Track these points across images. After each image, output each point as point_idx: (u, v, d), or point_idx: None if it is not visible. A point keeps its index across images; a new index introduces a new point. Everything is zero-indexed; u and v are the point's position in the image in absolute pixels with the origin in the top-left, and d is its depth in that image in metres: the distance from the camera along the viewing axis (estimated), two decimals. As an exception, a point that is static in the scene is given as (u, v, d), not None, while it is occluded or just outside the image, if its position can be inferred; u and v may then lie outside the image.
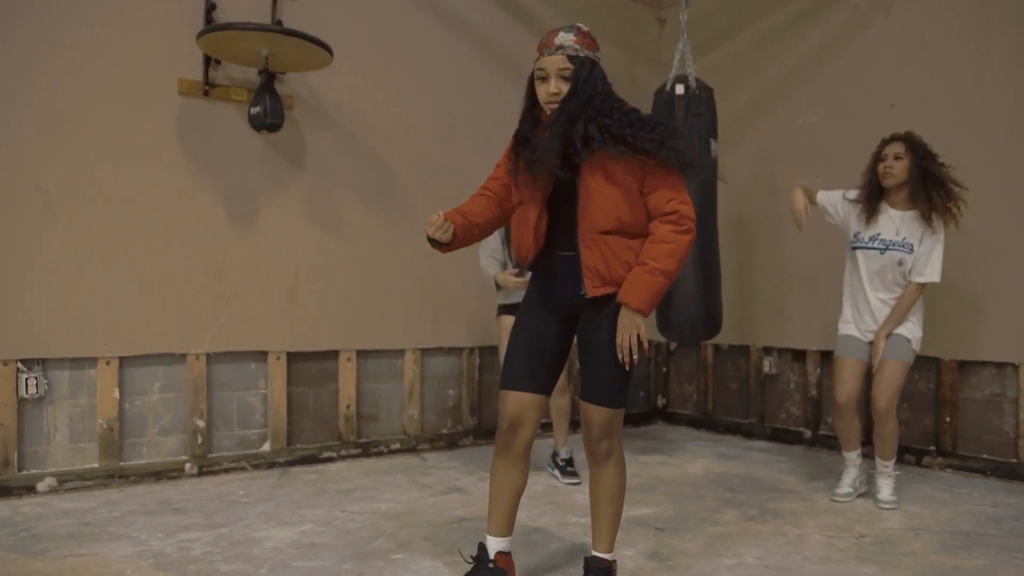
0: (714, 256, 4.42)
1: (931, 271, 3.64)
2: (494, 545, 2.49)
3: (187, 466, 4.05)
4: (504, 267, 4.07)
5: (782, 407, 5.27)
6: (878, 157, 3.75)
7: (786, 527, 3.33)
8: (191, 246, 4.07)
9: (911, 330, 3.68)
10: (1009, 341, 4.21)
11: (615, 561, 2.50)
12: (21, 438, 3.68)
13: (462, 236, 2.50)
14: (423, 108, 4.82)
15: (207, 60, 4.07)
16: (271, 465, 4.28)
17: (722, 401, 5.63)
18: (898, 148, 3.68)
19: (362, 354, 4.62)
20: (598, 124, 2.28)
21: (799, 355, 5.16)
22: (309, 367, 4.46)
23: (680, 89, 4.18)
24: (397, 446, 4.72)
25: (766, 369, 5.32)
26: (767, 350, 5.33)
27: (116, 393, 3.88)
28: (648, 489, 3.94)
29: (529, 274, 2.61)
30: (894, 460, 3.73)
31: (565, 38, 2.31)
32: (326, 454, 4.46)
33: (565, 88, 2.31)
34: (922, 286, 3.66)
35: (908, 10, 4.58)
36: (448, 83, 4.91)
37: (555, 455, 4.19)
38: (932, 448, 4.51)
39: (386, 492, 3.83)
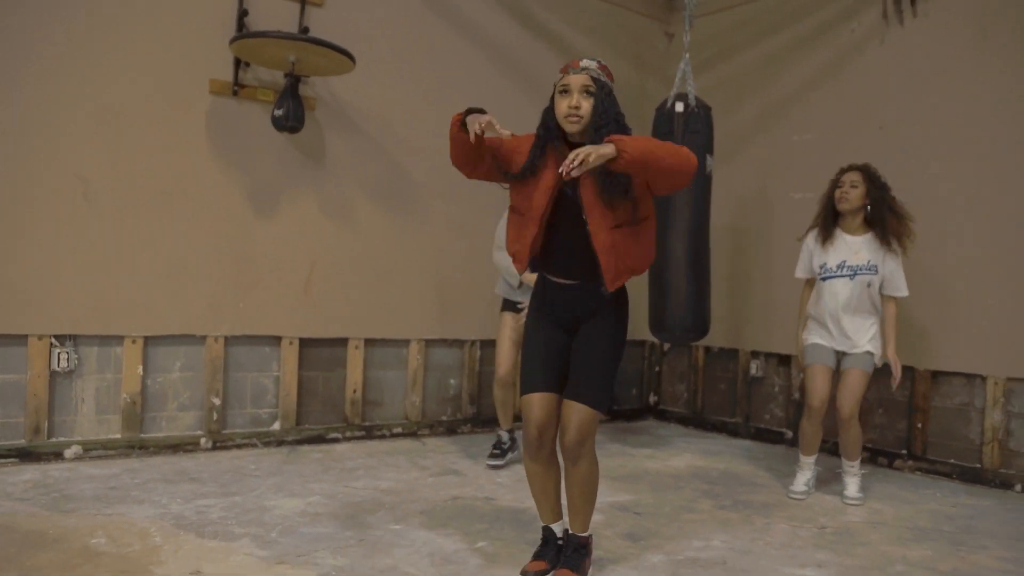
0: (706, 262, 4.68)
1: (903, 287, 3.91)
2: (556, 528, 2.78)
3: (202, 440, 4.35)
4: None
5: (766, 408, 5.54)
6: (835, 184, 4.02)
7: (754, 517, 3.61)
8: (216, 236, 4.36)
9: (875, 346, 3.95)
10: (978, 354, 4.47)
11: (591, 536, 2.77)
12: (51, 408, 3.98)
13: (479, 146, 2.60)
14: (438, 113, 5.07)
15: (237, 62, 4.36)
16: (280, 443, 4.57)
17: (711, 400, 5.90)
18: (855, 176, 3.96)
19: (370, 342, 4.91)
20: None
21: (784, 360, 5.42)
22: (320, 353, 4.75)
23: (680, 107, 4.44)
24: (399, 430, 5.01)
25: (753, 372, 5.59)
26: (755, 354, 5.59)
27: (140, 370, 4.18)
28: (633, 479, 4.22)
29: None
30: (858, 460, 4.00)
31: (589, 63, 2.57)
32: (332, 435, 4.75)
33: (585, 104, 2.52)
34: (897, 301, 3.94)
35: (901, 39, 4.83)
36: (462, 90, 5.17)
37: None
38: (904, 451, 4.77)
39: (387, 471, 4.12)
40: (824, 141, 5.14)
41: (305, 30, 4.52)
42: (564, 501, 2.77)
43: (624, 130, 2.54)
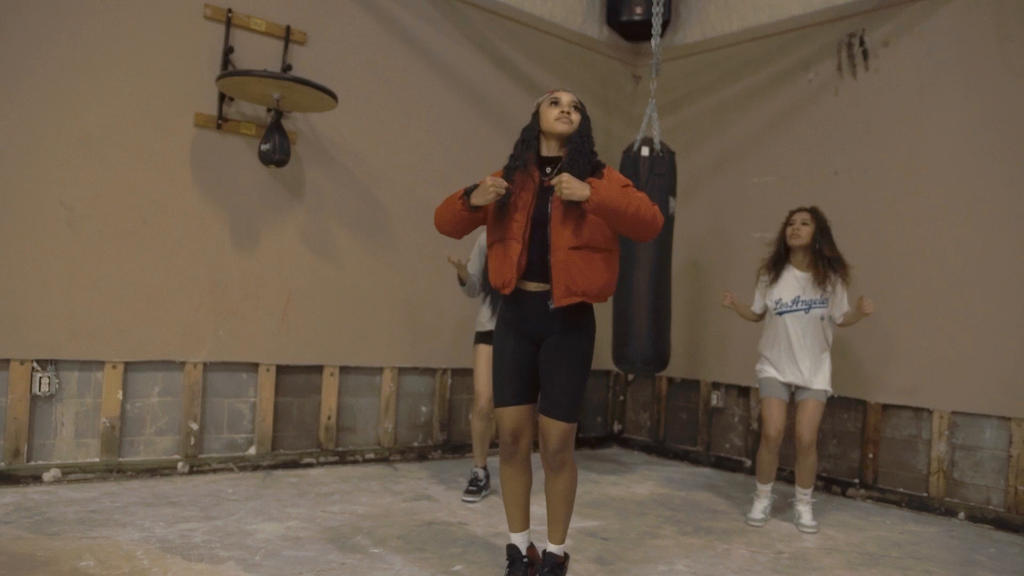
0: (667, 298, 4.90)
1: (844, 309, 4.20)
2: (520, 541, 2.94)
3: (179, 464, 4.42)
4: (479, 288, 4.45)
5: (726, 438, 5.75)
6: (787, 223, 4.29)
7: (716, 542, 3.79)
8: (196, 264, 4.47)
9: (828, 383, 4.18)
10: (926, 389, 4.73)
11: (568, 556, 2.93)
12: (31, 431, 4.04)
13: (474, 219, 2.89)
14: (414, 150, 5.27)
15: (221, 97, 4.49)
16: (255, 467, 4.66)
17: (673, 429, 6.10)
18: (805, 216, 4.24)
19: (344, 370, 5.03)
20: (589, 161, 2.80)
21: (744, 391, 5.65)
22: (295, 379, 4.86)
23: (645, 151, 4.67)
24: (371, 456, 5.12)
25: (714, 402, 5.81)
26: (715, 385, 5.82)
27: (120, 394, 4.26)
28: (598, 505, 4.38)
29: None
30: (811, 489, 4.22)
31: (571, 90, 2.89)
32: (306, 460, 4.85)
33: (575, 116, 2.81)
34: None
35: (854, 91, 5.13)
36: (438, 129, 5.37)
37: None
38: (856, 481, 5.01)
39: (362, 496, 4.23)
40: (781, 184, 5.41)
41: (288, 67, 4.68)
42: (540, 513, 2.92)
43: (597, 163, 2.83)
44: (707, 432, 5.86)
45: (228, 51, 4.48)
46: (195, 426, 4.48)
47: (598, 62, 6.33)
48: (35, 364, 4.03)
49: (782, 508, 4.47)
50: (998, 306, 4.48)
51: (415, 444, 5.35)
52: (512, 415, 2.87)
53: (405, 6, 5.20)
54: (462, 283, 4.36)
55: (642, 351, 4.81)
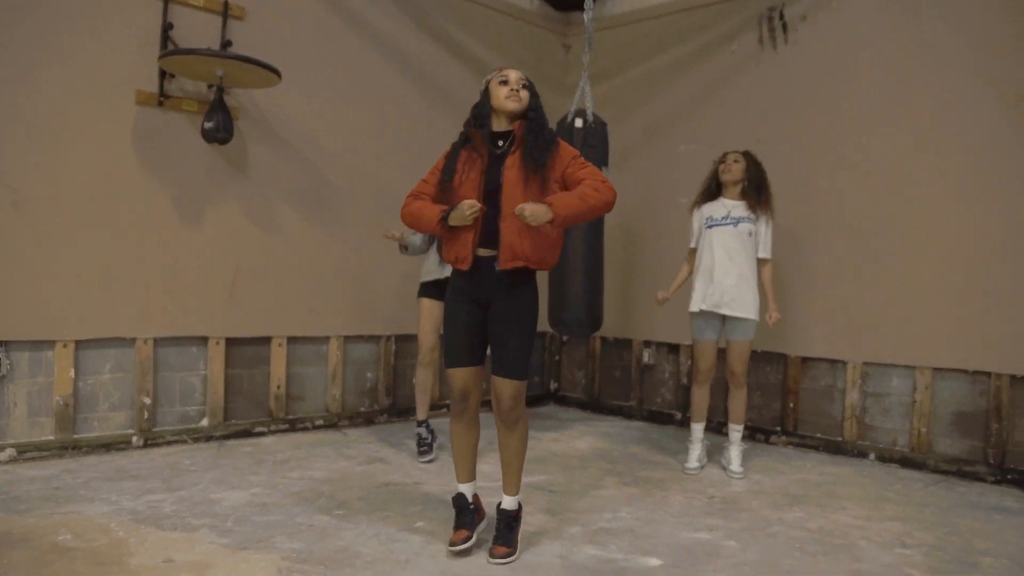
0: (599, 263, 5.13)
1: (769, 249, 4.53)
2: (467, 490, 3.19)
3: (134, 439, 4.51)
4: (427, 243, 4.62)
5: (658, 392, 6.09)
6: (720, 161, 4.62)
7: (654, 491, 4.10)
8: (144, 242, 4.51)
9: (756, 312, 4.47)
10: (841, 342, 5.12)
11: (520, 507, 3.17)
12: (-15, 412, 4.08)
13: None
14: (355, 124, 5.36)
15: (162, 74, 4.51)
16: (209, 438, 4.78)
17: (607, 386, 6.42)
18: (736, 155, 4.58)
19: (292, 340, 5.16)
20: (546, 136, 3.02)
21: (673, 348, 5.99)
22: (245, 351, 4.96)
23: (579, 123, 4.87)
24: (320, 423, 5.28)
25: (645, 360, 6.13)
26: (647, 343, 6.14)
27: (72, 373, 4.30)
28: (542, 461, 4.65)
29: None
30: (743, 425, 4.56)
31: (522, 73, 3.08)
32: (258, 429, 4.99)
33: (523, 93, 3.01)
34: (768, 261, 4.53)
35: (775, 61, 5.43)
36: (378, 102, 5.47)
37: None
38: (778, 428, 5.40)
39: (316, 462, 4.40)
40: (707, 151, 5.64)
41: (228, 43, 4.70)
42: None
43: (551, 138, 3.05)
44: (639, 388, 6.19)
45: (167, 27, 4.48)
46: (148, 400, 4.56)
47: (529, 33, 6.48)
48: (-15, 346, 4.06)
49: (713, 456, 4.81)
50: (905, 265, 4.87)
51: (362, 410, 5.53)
52: (462, 375, 3.12)
53: (341, -21, 5.26)
54: (404, 249, 4.55)
55: (577, 314, 5.06)
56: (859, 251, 5.05)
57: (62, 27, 4.20)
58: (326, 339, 5.33)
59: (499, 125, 3.07)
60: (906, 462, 4.84)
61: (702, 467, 4.59)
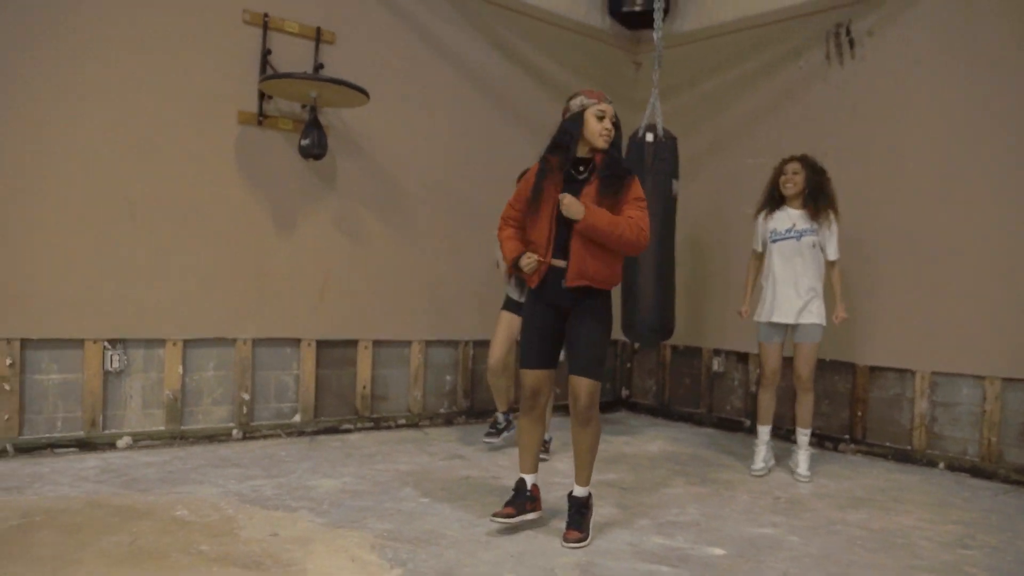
0: (671, 272, 5.33)
1: (834, 251, 4.65)
2: (528, 479, 3.46)
3: (234, 431, 4.89)
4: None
5: (727, 400, 6.23)
6: (779, 172, 4.76)
7: (721, 490, 4.27)
8: (242, 250, 4.90)
9: (821, 316, 4.61)
10: (909, 351, 5.20)
11: (591, 494, 3.41)
12: (105, 403, 4.49)
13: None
14: (434, 139, 5.70)
15: (261, 95, 4.90)
16: (300, 433, 5.13)
17: (677, 394, 6.58)
18: (796, 166, 4.70)
19: (377, 343, 5.49)
20: (624, 174, 3.31)
21: (742, 357, 6.12)
22: (333, 353, 5.31)
23: (650, 137, 5.09)
24: (403, 422, 5.60)
25: (715, 368, 6.28)
26: (716, 351, 6.29)
27: (180, 369, 4.71)
28: (614, 461, 4.86)
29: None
30: (810, 430, 4.69)
31: (610, 100, 3.36)
32: (345, 426, 5.32)
33: (614, 131, 3.31)
34: (835, 263, 4.67)
35: (842, 78, 5.56)
36: (455, 119, 5.79)
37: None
38: (847, 437, 5.49)
39: (401, 456, 4.70)
40: (773, 164, 5.81)
41: (320, 66, 5.08)
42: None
43: (628, 171, 3.35)
44: (709, 395, 6.34)
45: (266, 53, 4.88)
46: (246, 396, 4.93)
47: (600, 50, 6.73)
48: (106, 343, 4.47)
49: (781, 461, 4.94)
50: (972, 276, 4.93)
51: (442, 411, 5.82)
52: (534, 376, 3.40)
53: (423, 4, 5.59)
54: (498, 265, 4.91)
55: (650, 322, 5.25)
56: (925, 260, 5.13)
57: (173, 54, 4.62)
58: (408, 343, 5.65)
59: (582, 151, 3.34)
60: (976, 471, 4.88)
61: (768, 470, 4.74)
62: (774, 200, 4.78)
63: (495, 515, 3.35)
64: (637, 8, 6.44)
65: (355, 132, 5.32)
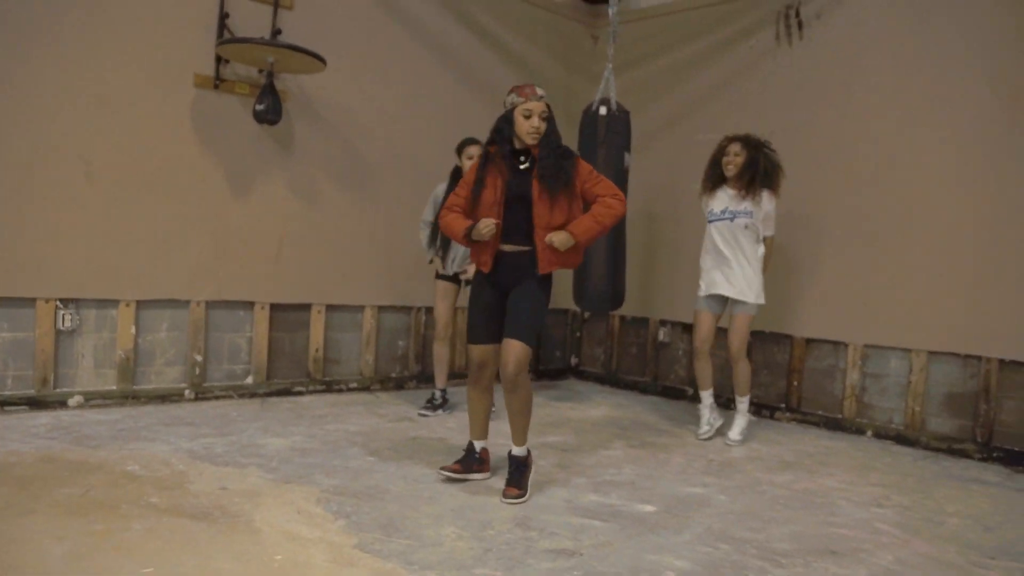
0: (622, 244, 5.50)
1: (770, 228, 4.81)
2: (478, 444, 3.69)
3: (186, 392, 4.97)
4: (433, 234, 5.04)
5: (672, 369, 6.44)
6: (721, 151, 4.88)
7: (658, 453, 4.47)
8: (199, 212, 4.95)
9: (757, 292, 4.79)
10: (843, 325, 5.43)
11: (529, 452, 3.60)
12: (56, 362, 4.54)
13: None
14: (392, 106, 5.76)
15: (218, 59, 4.92)
16: (253, 395, 5.22)
17: (624, 362, 6.78)
18: (736, 147, 4.82)
19: (330, 308, 5.58)
20: (563, 160, 3.44)
21: (688, 327, 6.32)
22: (287, 316, 5.40)
23: (603, 110, 5.21)
24: (354, 385, 5.71)
25: (660, 337, 6.48)
26: (662, 322, 6.49)
27: (132, 330, 4.76)
28: (558, 425, 5.04)
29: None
30: (747, 397, 4.91)
31: (542, 92, 3.44)
32: (297, 388, 5.43)
33: (542, 125, 3.42)
34: (768, 238, 4.84)
35: (791, 57, 5.72)
36: (413, 86, 5.86)
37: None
38: (783, 405, 5.73)
39: (351, 418, 4.83)
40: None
41: (278, 31, 5.10)
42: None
43: (568, 152, 3.47)
44: (655, 364, 6.54)
45: (224, 16, 4.89)
46: (199, 358, 5.01)
47: (558, 23, 6.82)
48: (58, 302, 4.51)
49: (723, 429, 5.15)
50: (905, 252, 5.16)
51: (393, 375, 5.95)
52: (481, 351, 3.59)
53: (383, -28, 5.64)
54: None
55: (601, 291, 5.42)
56: (862, 238, 5.34)
57: (131, 14, 4.62)
58: (361, 308, 5.75)
59: (520, 143, 3.49)
60: (900, 439, 5.15)
61: (714, 429, 4.94)
62: (715, 179, 4.92)
63: (443, 468, 3.56)
64: (595, -18, 6.53)
65: (313, 98, 5.37)
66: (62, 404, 4.53)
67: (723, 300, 4.88)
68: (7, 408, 4.36)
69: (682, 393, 6.31)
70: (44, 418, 4.28)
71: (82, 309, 4.61)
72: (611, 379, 6.83)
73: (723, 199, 4.85)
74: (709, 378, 4.99)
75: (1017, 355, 4.74)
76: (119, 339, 4.73)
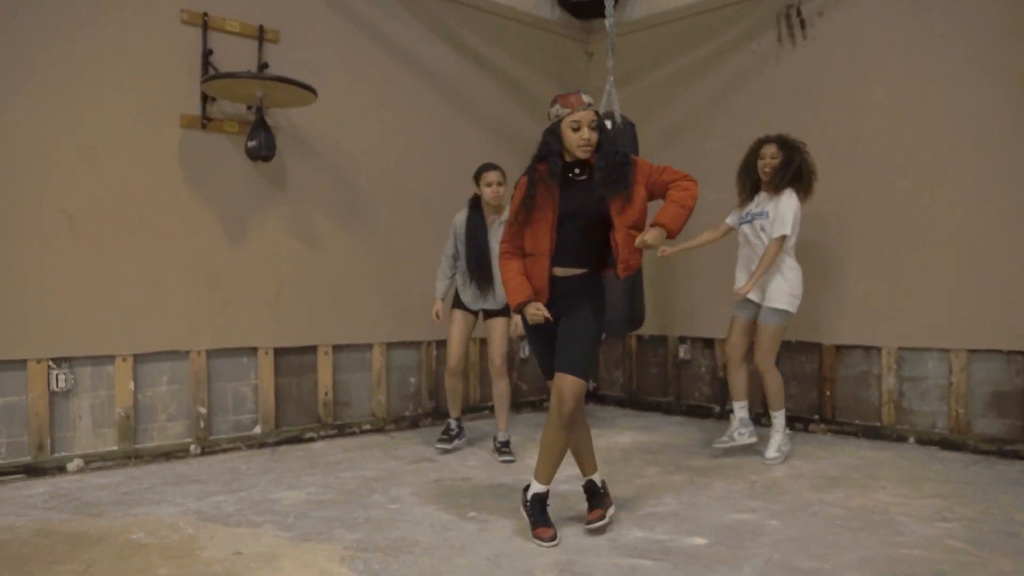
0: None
1: (781, 227, 4.49)
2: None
3: (192, 447, 4.70)
4: (450, 283, 4.85)
5: (695, 387, 6.19)
6: (756, 155, 4.65)
7: (696, 478, 4.20)
8: (192, 258, 4.72)
9: (777, 296, 4.53)
10: (874, 329, 5.19)
11: (604, 480, 3.42)
12: (52, 425, 4.28)
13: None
14: (387, 137, 5.56)
15: (204, 97, 4.71)
16: (262, 445, 4.96)
17: (644, 383, 6.52)
18: (773, 150, 4.60)
19: (337, 348, 5.33)
20: (623, 167, 3.18)
21: (708, 343, 6.08)
22: (292, 360, 5.15)
23: (608, 124, 4.99)
24: (368, 427, 5.45)
25: (681, 355, 6.23)
26: (682, 339, 6.24)
27: (131, 385, 4.51)
28: (585, 455, 4.77)
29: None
30: (781, 412, 4.64)
31: (589, 99, 3.19)
32: (308, 434, 5.16)
33: (592, 136, 3.16)
34: (775, 240, 4.52)
35: (794, 60, 5.54)
36: (410, 116, 5.66)
37: (495, 438, 4.87)
38: (816, 416, 5.47)
39: (367, 462, 4.56)
40: (730, 149, 5.77)
41: (264, 65, 4.91)
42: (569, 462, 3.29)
43: (625, 157, 3.21)
44: (676, 383, 6.28)
45: (207, 53, 4.69)
46: (203, 410, 4.75)
47: (552, 41, 6.64)
48: (50, 362, 4.26)
49: (756, 445, 4.89)
50: (933, 251, 4.93)
51: (407, 413, 5.69)
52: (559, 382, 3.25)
53: (370, 1, 5.46)
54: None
55: (619, 312, 5.16)
56: (885, 238, 5.12)
57: (110, 57, 4.42)
58: (369, 346, 5.50)
59: (570, 156, 3.23)
60: (946, 444, 4.88)
61: (732, 443, 4.69)
62: (751, 186, 4.69)
63: (546, 541, 3.17)
64: (585, -3, 6.36)
65: (304, 132, 5.16)
66: (61, 469, 4.27)
67: (754, 306, 4.65)
68: (2, 477, 4.09)
69: (708, 411, 6.04)
70: (41, 486, 4.01)
71: (76, 367, 4.36)
72: (632, 401, 6.57)
73: (757, 200, 4.66)
74: (740, 388, 4.74)
75: (1064, 347, 4.50)
76: (117, 396, 4.47)
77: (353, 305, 5.38)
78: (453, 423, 4.90)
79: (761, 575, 2.80)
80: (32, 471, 4.18)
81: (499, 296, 4.69)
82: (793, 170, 4.53)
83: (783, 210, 4.51)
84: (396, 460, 4.63)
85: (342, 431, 5.32)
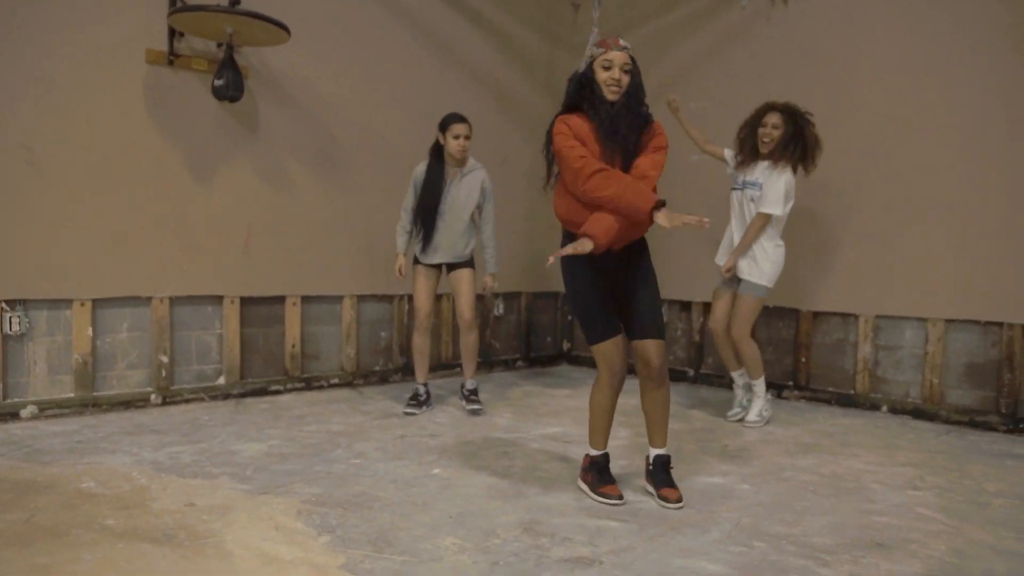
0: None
1: (769, 205, 4.42)
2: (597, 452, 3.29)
3: (152, 396, 4.57)
4: (414, 222, 4.67)
5: (671, 350, 6.11)
6: (758, 123, 4.50)
7: (668, 441, 4.12)
8: (158, 201, 4.54)
9: (758, 272, 4.48)
10: (852, 295, 5.12)
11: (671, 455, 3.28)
12: (5, 370, 4.13)
13: None
14: (364, 83, 5.36)
15: (172, 32, 4.50)
16: (226, 396, 4.83)
17: (619, 346, 6.43)
18: (776, 119, 4.45)
19: (306, 299, 5.19)
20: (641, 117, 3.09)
21: (686, 305, 6.00)
22: (259, 310, 5.00)
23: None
24: (336, 381, 5.33)
25: (657, 318, 6.14)
26: (659, 301, 6.14)
27: (90, 331, 4.35)
28: (556, 415, 4.69)
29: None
30: (761, 379, 4.59)
31: (625, 43, 3.04)
32: (274, 387, 5.04)
33: (624, 79, 3.01)
34: (761, 215, 4.46)
35: (785, 18, 5.38)
36: (388, 61, 5.46)
37: (463, 386, 4.82)
38: (791, 383, 5.42)
39: (333, 417, 4.46)
40: (717, 109, 5.66)
41: (237, 1, 4.68)
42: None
43: (647, 111, 3.11)
44: (652, 346, 6.19)
45: (176, -15, 4.48)
46: (165, 359, 4.61)
47: (537, -9, 6.44)
48: (3, 304, 4.10)
49: (727, 407, 4.83)
50: (916, 218, 4.85)
51: (376, 368, 5.58)
52: (616, 350, 3.20)
53: (348, -63, 5.22)
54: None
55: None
56: (869, 205, 5.03)
57: (71, -14, 4.20)
58: (340, 298, 5.36)
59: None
60: (918, 413, 4.85)
61: (741, 414, 4.66)
62: (752, 150, 4.53)
63: (612, 499, 3.10)
64: (573, -54, 6.15)
65: (278, 74, 4.96)
66: (14, 416, 4.12)
67: (738, 282, 4.58)
68: (-48, 423, 3.95)
69: (682, 375, 5.98)
70: (-7, 432, 3.88)
71: (32, 311, 4.20)
72: (606, 364, 6.48)
73: (753, 168, 4.52)
74: (731, 360, 4.69)
75: (1043, 320, 4.45)
76: (75, 342, 4.32)
77: (324, 255, 5.24)
78: (421, 389, 4.74)
79: (729, 538, 2.73)
80: (-16, 416, 4.04)
81: (457, 248, 4.57)
82: (795, 146, 4.40)
83: (775, 187, 4.41)
84: (363, 415, 4.53)
85: (309, 384, 5.20)
